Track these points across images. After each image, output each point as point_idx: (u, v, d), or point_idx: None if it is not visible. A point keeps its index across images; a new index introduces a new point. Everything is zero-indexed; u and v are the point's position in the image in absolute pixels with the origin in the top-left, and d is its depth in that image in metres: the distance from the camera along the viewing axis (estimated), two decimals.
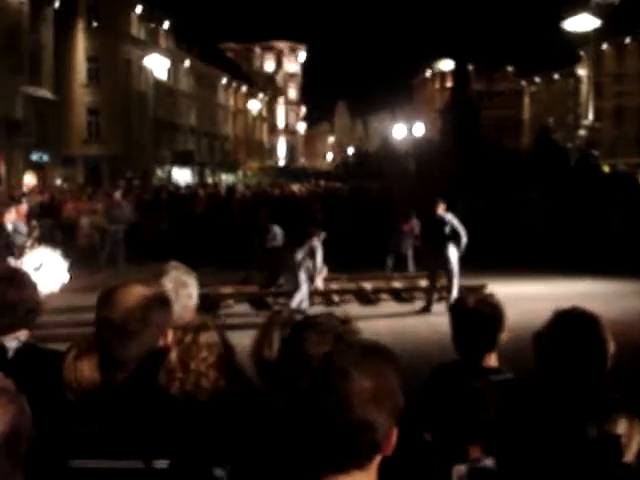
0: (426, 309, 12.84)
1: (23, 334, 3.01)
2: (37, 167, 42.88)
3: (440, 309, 12.48)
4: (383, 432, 1.57)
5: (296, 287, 12.38)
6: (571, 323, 2.72)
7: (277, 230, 14.79)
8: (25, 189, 30.38)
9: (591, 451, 2.08)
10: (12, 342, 2.95)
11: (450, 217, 12.75)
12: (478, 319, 3.07)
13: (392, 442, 1.60)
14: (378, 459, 1.61)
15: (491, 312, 3.11)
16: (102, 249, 18.86)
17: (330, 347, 2.11)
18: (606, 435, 2.11)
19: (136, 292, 2.12)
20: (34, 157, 42.43)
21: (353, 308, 12.93)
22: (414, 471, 2.14)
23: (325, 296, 13.70)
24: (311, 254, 12.26)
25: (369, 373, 1.57)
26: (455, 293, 12.27)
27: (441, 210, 12.81)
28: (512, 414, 2.45)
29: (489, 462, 2.37)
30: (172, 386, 2.34)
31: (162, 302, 2.18)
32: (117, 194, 20.46)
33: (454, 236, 12.63)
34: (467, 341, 3.11)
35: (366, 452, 1.57)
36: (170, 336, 2.22)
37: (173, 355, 2.35)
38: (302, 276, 12.27)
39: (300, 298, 12.28)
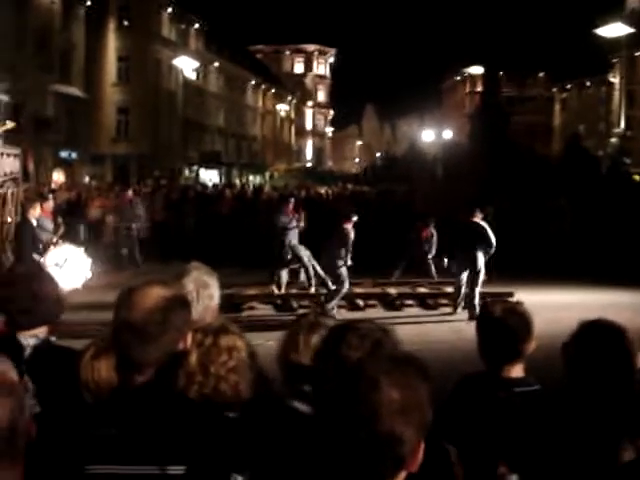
0: (472, 316, 12.49)
1: (42, 331, 3.02)
2: (66, 164, 43.30)
3: (465, 315, 12.35)
4: (410, 446, 1.50)
5: (338, 283, 12.38)
6: (596, 334, 2.68)
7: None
8: (53, 186, 30.61)
9: (628, 475, 1.95)
10: (30, 339, 2.95)
11: (484, 225, 12.66)
12: (505, 328, 2.98)
13: (418, 458, 1.53)
14: (403, 476, 1.54)
15: (518, 321, 3.02)
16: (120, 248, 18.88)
17: (367, 352, 2.15)
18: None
19: (155, 294, 2.06)
20: (63, 155, 42.85)
21: (377, 313, 12.81)
22: None
23: (349, 300, 13.58)
24: (343, 240, 12.19)
25: (399, 384, 1.51)
26: (477, 300, 12.17)
27: (477, 218, 12.72)
28: (537, 428, 2.37)
29: (514, 479, 2.30)
30: (191, 389, 2.28)
31: (182, 304, 2.13)
32: (129, 192, 20.17)
33: (484, 244, 12.50)
34: (492, 350, 3.02)
35: (391, 467, 1.50)
36: (189, 338, 2.17)
37: (193, 358, 2.29)
38: (343, 272, 12.24)
39: (337, 296, 12.36)
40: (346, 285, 12.54)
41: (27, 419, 1.77)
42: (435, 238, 16.11)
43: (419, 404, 1.52)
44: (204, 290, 3.01)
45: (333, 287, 12.64)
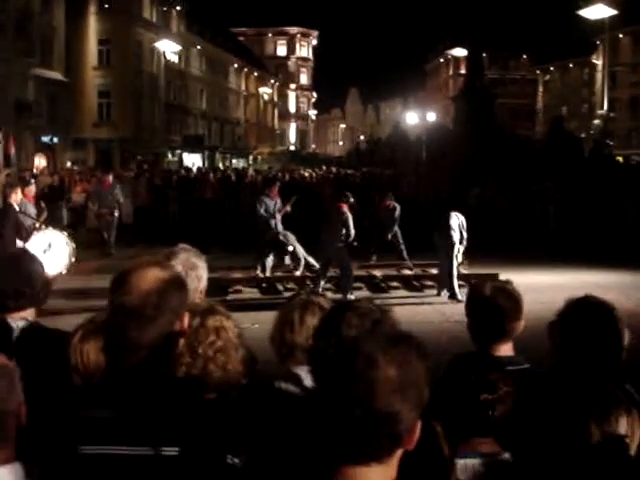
0: (452, 295, 12.59)
1: (29, 314, 3.04)
2: (47, 149, 42.97)
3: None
4: (407, 424, 1.50)
5: (345, 269, 12.36)
6: (584, 311, 2.73)
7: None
8: (35, 171, 30.37)
9: (596, 454, 1.99)
10: (19, 322, 2.97)
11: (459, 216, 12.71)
12: (494, 307, 2.98)
13: (415, 436, 1.53)
14: (399, 453, 1.54)
15: (508, 300, 3.02)
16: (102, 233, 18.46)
17: (367, 331, 2.10)
18: (610, 438, 2.02)
19: (152, 275, 2.03)
20: (44, 139, 42.50)
21: (363, 296, 12.81)
22: (422, 461, 2.03)
23: (336, 283, 13.58)
24: (343, 224, 12.22)
25: (396, 362, 1.50)
26: (455, 281, 12.39)
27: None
28: (529, 406, 2.36)
29: (506, 456, 2.31)
30: (179, 370, 2.28)
31: (178, 285, 2.09)
32: (109, 177, 19.40)
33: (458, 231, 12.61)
34: (482, 329, 3.02)
35: (387, 445, 1.49)
36: (186, 319, 2.12)
37: (180, 339, 2.24)
38: (346, 255, 12.33)
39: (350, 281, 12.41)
40: (351, 267, 12.57)
41: (18, 401, 1.75)
42: (398, 212, 15.99)
43: (416, 382, 1.51)
44: (192, 271, 3.01)
45: (318, 266, 12.68)
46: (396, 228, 15.96)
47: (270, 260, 14.17)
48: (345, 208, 12.41)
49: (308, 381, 2.52)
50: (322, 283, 12.69)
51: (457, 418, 2.33)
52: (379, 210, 16.33)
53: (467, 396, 2.36)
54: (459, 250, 12.67)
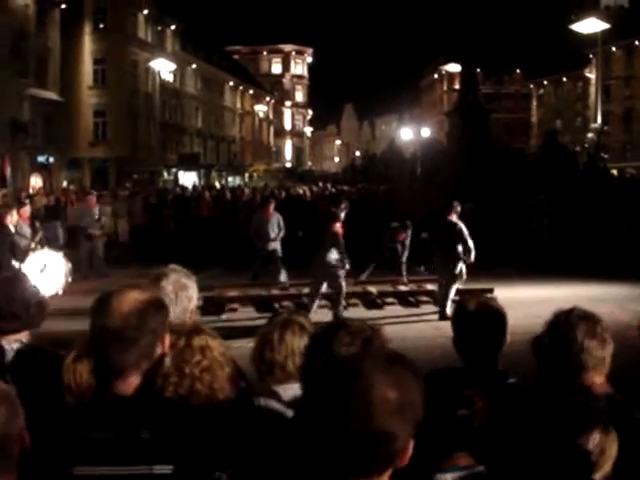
0: (442, 315, 12.36)
1: (24, 336, 3.06)
2: (43, 169, 42.96)
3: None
4: (402, 443, 1.51)
5: (337, 288, 12.27)
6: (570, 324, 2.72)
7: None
8: (31, 191, 30.39)
9: (560, 466, 2.00)
10: (14, 344, 2.99)
11: (461, 225, 12.63)
12: (480, 323, 3.02)
13: (408, 453, 1.54)
14: (390, 471, 1.55)
15: (493, 316, 3.06)
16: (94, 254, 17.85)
17: (358, 350, 2.19)
18: (575, 452, 2.02)
19: (131, 298, 2.08)
20: (40, 159, 42.51)
21: (359, 312, 12.82)
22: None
23: (331, 299, 13.58)
24: (335, 242, 12.12)
25: (395, 383, 1.51)
26: (449, 302, 12.24)
27: (455, 214, 12.67)
28: (508, 421, 2.38)
29: (480, 469, 2.32)
30: (167, 390, 2.30)
31: (157, 307, 2.14)
32: (92, 197, 19.00)
33: (462, 247, 12.50)
34: (469, 345, 3.05)
35: (381, 463, 1.51)
36: (167, 341, 2.18)
37: (167, 359, 2.29)
38: (341, 273, 12.20)
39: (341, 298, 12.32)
40: (344, 284, 12.46)
41: (21, 426, 1.76)
42: (409, 241, 15.97)
43: (413, 402, 1.52)
44: (182, 292, 3.04)
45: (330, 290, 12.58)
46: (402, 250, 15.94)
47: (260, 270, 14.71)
48: (336, 227, 12.29)
49: (287, 398, 2.54)
50: (315, 304, 12.48)
51: (435, 433, 2.35)
52: (394, 239, 16.16)
53: (444, 412, 2.38)
54: (461, 270, 12.63)
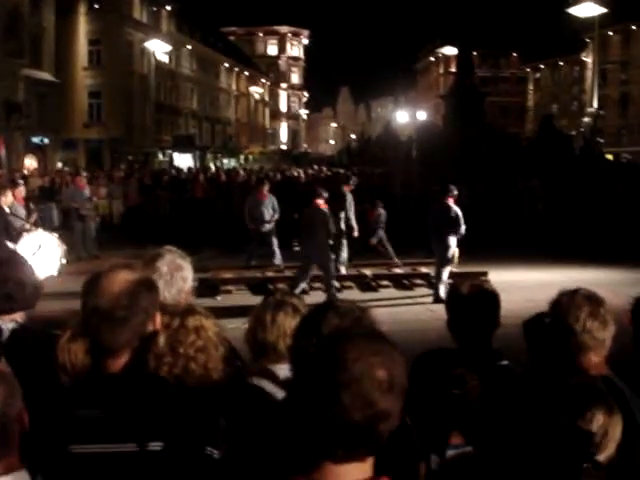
0: (436, 298, 12.42)
1: (20, 316, 3.06)
2: (38, 150, 42.80)
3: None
4: (395, 421, 1.53)
5: (328, 269, 12.24)
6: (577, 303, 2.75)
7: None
8: (25, 172, 30.28)
9: (562, 446, 2.03)
10: (8, 324, 2.99)
11: (456, 209, 12.61)
12: (473, 306, 3.04)
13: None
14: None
15: (485, 298, 3.09)
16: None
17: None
18: (579, 433, 2.05)
19: (121, 278, 2.10)
20: (35, 140, 42.35)
21: (354, 295, 12.84)
22: (396, 454, 2.07)
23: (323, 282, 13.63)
24: (323, 222, 12.06)
25: (384, 362, 1.52)
26: (444, 282, 12.27)
27: (451, 198, 12.61)
28: (499, 402, 2.43)
29: (468, 449, 2.36)
30: (161, 370, 2.31)
31: (148, 286, 2.17)
32: (82, 178, 18.93)
33: (455, 226, 12.50)
34: (463, 327, 3.07)
35: (373, 443, 1.52)
36: (158, 319, 2.19)
37: (161, 340, 2.30)
38: (330, 254, 12.23)
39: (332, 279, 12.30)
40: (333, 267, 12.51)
41: (20, 407, 1.77)
42: (384, 217, 15.90)
43: (402, 379, 1.54)
44: (178, 272, 3.04)
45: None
46: (381, 233, 15.92)
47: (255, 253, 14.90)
48: (321, 205, 12.20)
49: (281, 378, 2.58)
50: (302, 286, 12.41)
51: (428, 413, 2.37)
52: (369, 219, 16.12)
53: (437, 391, 2.40)
54: (453, 254, 12.64)
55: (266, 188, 15.42)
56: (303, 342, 2.29)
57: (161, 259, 3.04)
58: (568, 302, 2.76)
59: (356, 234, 14.78)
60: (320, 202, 12.19)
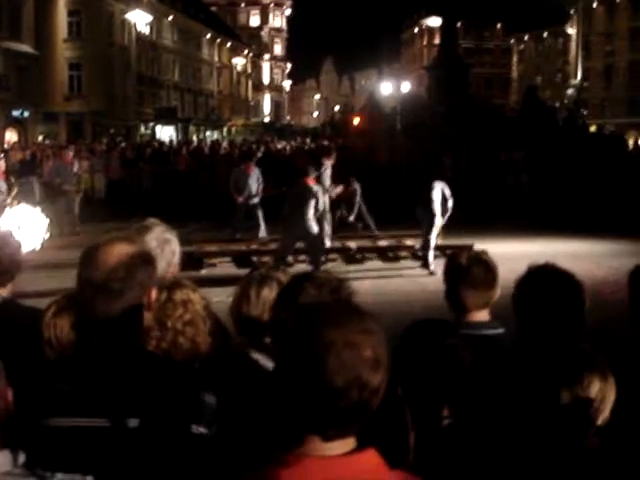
0: (425, 267, 12.55)
1: (4, 291, 3.04)
2: (18, 124, 42.35)
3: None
4: (381, 395, 1.51)
5: (316, 247, 12.17)
6: (544, 277, 2.82)
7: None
8: (5, 146, 29.96)
9: (563, 417, 2.03)
10: None
11: (443, 184, 12.63)
12: (470, 276, 3.06)
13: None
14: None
15: (484, 269, 3.10)
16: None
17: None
18: (579, 400, 2.06)
19: (119, 250, 2.05)
20: (15, 113, 41.88)
21: (339, 267, 12.85)
22: (385, 425, 2.06)
23: (310, 257, 13.62)
24: (308, 199, 11.90)
25: (368, 335, 1.49)
26: (430, 252, 12.36)
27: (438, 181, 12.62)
28: (490, 371, 2.43)
29: (450, 421, 2.38)
30: (149, 344, 2.30)
31: (145, 260, 2.11)
32: (69, 153, 18.71)
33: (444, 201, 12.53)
34: (459, 298, 3.08)
35: (362, 418, 1.50)
36: (153, 294, 2.15)
37: (148, 314, 2.25)
38: (315, 229, 12.01)
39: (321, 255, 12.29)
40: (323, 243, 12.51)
41: (2, 389, 1.73)
42: (358, 192, 15.75)
43: (384, 351, 1.51)
44: (167, 246, 3.03)
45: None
46: (361, 208, 15.83)
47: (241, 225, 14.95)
48: (311, 183, 12.12)
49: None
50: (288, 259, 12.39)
51: (419, 384, 2.37)
52: (343, 196, 16.00)
53: (429, 362, 2.39)
54: (440, 222, 12.67)
55: (253, 163, 15.42)
56: (281, 314, 2.28)
57: (150, 232, 3.01)
58: (533, 277, 2.81)
59: (334, 194, 14.76)
60: (309, 179, 12.17)
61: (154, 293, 2.15)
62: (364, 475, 1.50)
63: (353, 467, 1.49)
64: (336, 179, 15.34)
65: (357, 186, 15.88)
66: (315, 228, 11.99)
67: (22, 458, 1.70)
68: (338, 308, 1.61)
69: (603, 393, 2.10)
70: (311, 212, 11.83)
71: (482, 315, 3.09)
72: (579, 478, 1.99)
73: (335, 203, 15.16)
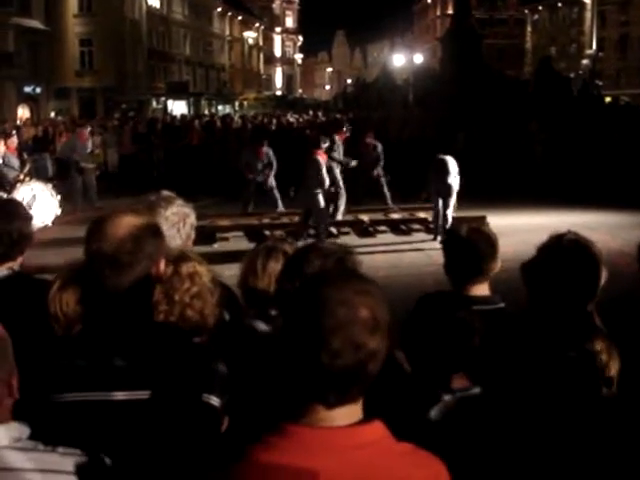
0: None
1: (14, 264, 3.05)
2: (30, 100, 42.38)
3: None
4: (384, 357, 1.51)
5: (318, 215, 12.36)
6: (566, 246, 2.75)
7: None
8: (18, 122, 30.01)
9: (571, 370, 2.05)
10: (3, 271, 2.99)
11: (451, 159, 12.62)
12: (469, 247, 3.04)
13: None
14: None
15: (483, 240, 3.08)
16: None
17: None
18: (584, 352, 2.10)
19: (126, 222, 2.06)
20: (27, 89, 41.93)
21: (351, 240, 12.84)
22: (393, 401, 2.10)
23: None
24: (315, 170, 12.17)
25: (369, 302, 1.48)
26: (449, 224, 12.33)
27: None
28: (500, 342, 2.43)
29: (476, 391, 2.35)
30: (156, 318, 2.28)
31: (154, 232, 2.12)
32: (84, 130, 18.71)
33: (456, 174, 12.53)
34: (457, 269, 3.08)
35: (371, 379, 1.50)
36: (162, 265, 2.15)
37: (156, 288, 2.25)
38: (321, 200, 12.29)
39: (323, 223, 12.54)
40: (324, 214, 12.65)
41: (9, 370, 1.72)
42: (381, 149, 15.81)
43: (385, 317, 1.50)
44: (188, 219, 3.03)
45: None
46: (380, 170, 15.80)
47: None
48: (318, 155, 12.29)
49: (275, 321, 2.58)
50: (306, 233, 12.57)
51: (430, 357, 2.36)
52: (360, 150, 16.05)
53: (440, 334, 2.37)
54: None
55: (265, 145, 15.22)
56: (287, 285, 2.28)
57: (170, 206, 3.00)
58: (555, 246, 2.76)
59: (354, 163, 14.95)
60: (318, 151, 12.24)
61: (162, 265, 2.15)
62: (368, 447, 1.48)
63: (356, 438, 1.48)
64: (353, 149, 15.49)
65: (377, 143, 15.90)
66: (319, 201, 12.08)
67: (26, 432, 1.69)
68: (336, 271, 1.60)
69: (609, 351, 2.15)
70: (315, 183, 11.94)
71: (482, 288, 3.07)
72: (601, 425, 2.00)
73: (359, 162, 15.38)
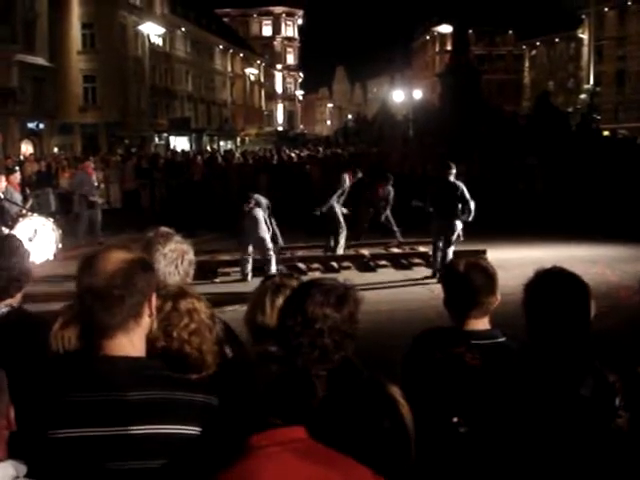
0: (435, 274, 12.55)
1: (13, 300, 3.04)
2: (34, 135, 42.62)
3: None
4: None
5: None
6: (551, 279, 2.72)
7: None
8: (21, 158, 30.18)
9: (589, 401, 2.08)
10: (2, 308, 2.97)
11: (460, 184, 12.53)
12: (467, 282, 3.02)
13: None
14: None
15: (481, 275, 3.06)
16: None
17: (333, 309, 2.19)
18: (602, 381, 2.11)
19: (116, 258, 2.07)
20: (30, 125, 42.13)
21: (352, 275, 12.84)
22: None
23: (323, 263, 13.64)
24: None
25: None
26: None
27: (452, 177, 12.55)
28: (498, 377, 2.43)
29: (463, 430, 2.37)
30: (155, 355, 2.27)
31: (144, 266, 2.12)
32: (90, 164, 18.85)
33: (463, 208, 12.39)
34: (458, 304, 3.05)
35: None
36: (154, 301, 2.15)
37: (154, 324, 2.27)
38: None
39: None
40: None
41: (6, 403, 1.74)
42: (392, 196, 16.00)
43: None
44: (187, 255, 3.03)
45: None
46: (388, 211, 15.97)
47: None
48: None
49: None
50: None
51: (429, 392, 2.36)
52: (374, 194, 16.20)
53: (438, 370, 2.39)
54: (458, 235, 12.62)
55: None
56: (289, 322, 2.27)
57: (168, 243, 3.00)
58: (541, 281, 2.74)
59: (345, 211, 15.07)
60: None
61: (154, 299, 2.16)
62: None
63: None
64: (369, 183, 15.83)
65: (391, 189, 15.99)
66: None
67: (23, 470, 1.71)
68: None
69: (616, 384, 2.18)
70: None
71: (482, 323, 3.04)
72: (613, 455, 2.01)
73: (369, 203, 15.87)
